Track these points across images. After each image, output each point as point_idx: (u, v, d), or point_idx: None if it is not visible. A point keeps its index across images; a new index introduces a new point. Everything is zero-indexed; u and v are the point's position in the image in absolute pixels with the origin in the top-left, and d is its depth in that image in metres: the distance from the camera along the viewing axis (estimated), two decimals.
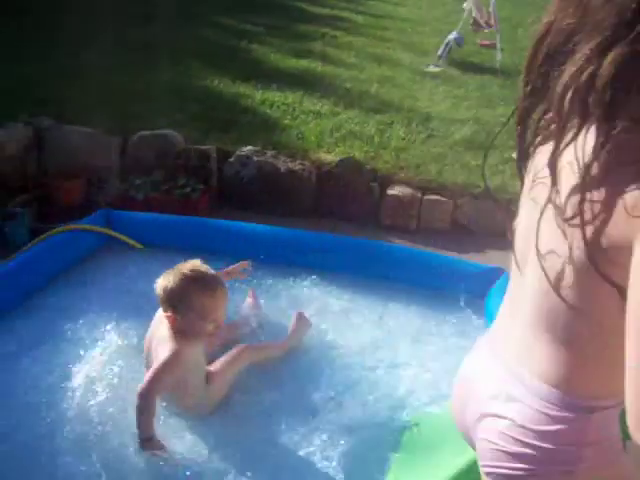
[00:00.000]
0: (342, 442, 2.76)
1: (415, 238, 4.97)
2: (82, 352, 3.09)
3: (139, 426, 2.56)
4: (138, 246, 4.12)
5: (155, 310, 2.96)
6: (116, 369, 2.96)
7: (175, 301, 2.66)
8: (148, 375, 2.62)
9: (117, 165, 5.23)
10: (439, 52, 8.72)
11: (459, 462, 2.49)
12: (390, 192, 5.07)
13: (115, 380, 2.91)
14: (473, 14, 8.88)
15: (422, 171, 5.31)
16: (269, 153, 5.15)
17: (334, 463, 2.67)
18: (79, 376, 2.92)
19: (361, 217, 5.09)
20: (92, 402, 2.80)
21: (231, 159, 5.11)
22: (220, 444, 2.72)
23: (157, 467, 2.54)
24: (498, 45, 8.80)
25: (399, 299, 3.86)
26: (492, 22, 8.83)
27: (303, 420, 2.88)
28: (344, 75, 7.55)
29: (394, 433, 2.92)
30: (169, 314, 2.68)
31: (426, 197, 5.09)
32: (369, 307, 3.80)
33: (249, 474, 2.58)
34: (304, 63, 7.77)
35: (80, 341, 3.19)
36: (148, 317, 3.02)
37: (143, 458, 2.56)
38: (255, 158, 5.06)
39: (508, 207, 4.84)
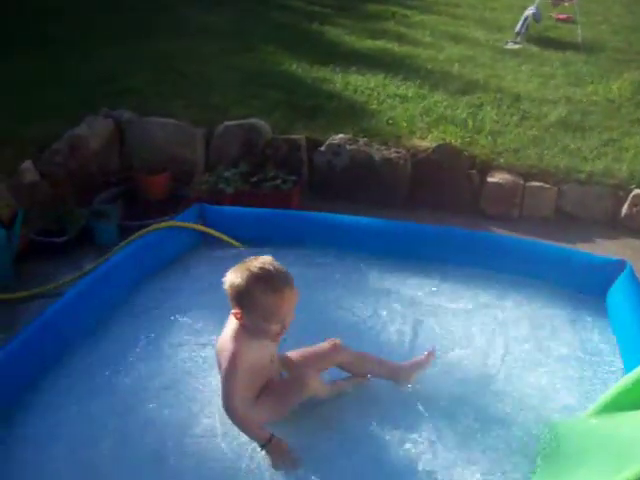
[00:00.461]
0: (477, 452, 2.57)
1: (517, 227, 4.71)
2: (183, 354, 2.99)
3: (250, 437, 2.45)
4: (236, 245, 3.93)
5: None
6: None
7: (241, 298, 2.46)
8: (221, 390, 2.49)
9: (202, 157, 5.06)
10: (517, 28, 8.35)
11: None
12: (490, 179, 4.81)
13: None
14: None
15: (521, 156, 5.03)
16: (361, 141, 4.92)
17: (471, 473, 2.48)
18: (179, 379, 2.84)
19: (460, 206, 4.84)
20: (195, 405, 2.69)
21: (322, 148, 4.90)
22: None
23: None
24: (579, 19, 8.40)
25: (516, 297, 3.61)
26: None
27: (427, 425, 2.68)
28: (423, 55, 7.25)
29: (531, 443, 2.71)
30: (236, 311, 2.49)
31: (528, 184, 4.81)
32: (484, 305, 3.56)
33: None
34: (380, 44, 7.50)
35: (180, 342, 3.08)
36: None
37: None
38: (347, 147, 4.84)
39: (615, 193, 4.60)
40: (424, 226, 4.08)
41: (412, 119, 5.40)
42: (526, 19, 8.30)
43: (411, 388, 2.85)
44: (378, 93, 5.94)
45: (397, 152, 4.84)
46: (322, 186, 4.92)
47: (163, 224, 3.88)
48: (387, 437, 2.62)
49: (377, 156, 4.80)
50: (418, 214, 4.64)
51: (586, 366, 3.18)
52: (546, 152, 5.10)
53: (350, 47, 7.36)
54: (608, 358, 3.24)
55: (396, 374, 2.86)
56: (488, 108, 5.83)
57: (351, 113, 5.48)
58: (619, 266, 3.64)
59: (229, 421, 2.46)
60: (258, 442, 2.42)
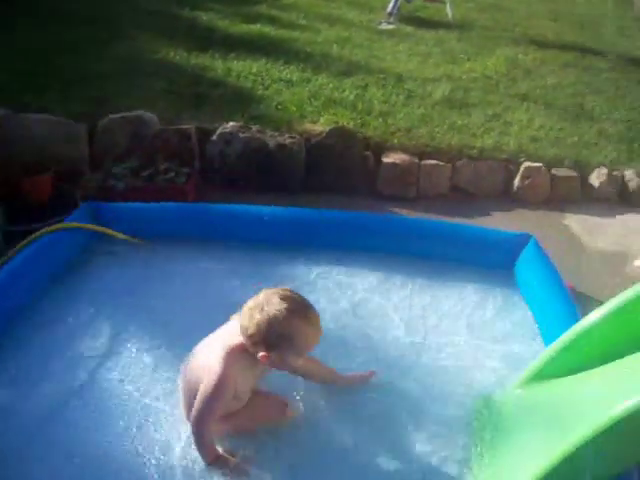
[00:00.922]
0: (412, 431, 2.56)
1: (415, 206, 4.74)
2: (93, 365, 2.76)
3: (199, 452, 2.30)
4: (136, 241, 3.70)
5: (169, 308, 2.91)
6: (133, 384, 2.64)
7: (277, 340, 2.27)
8: (197, 407, 2.30)
9: (87, 154, 4.77)
10: (389, 9, 8.41)
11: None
12: (386, 160, 4.80)
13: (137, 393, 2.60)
14: None
15: (413, 135, 5.06)
16: (254, 128, 4.78)
17: (411, 458, 2.46)
18: (87, 392, 2.61)
19: (357, 188, 4.81)
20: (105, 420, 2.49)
21: (213, 137, 4.73)
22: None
23: None
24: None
25: (429, 275, 3.60)
26: None
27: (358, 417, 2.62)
28: (301, 38, 7.16)
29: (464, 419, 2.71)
30: (264, 353, 2.29)
31: (423, 162, 4.84)
32: (400, 287, 3.53)
33: None
34: (255, 28, 7.34)
35: (86, 354, 2.83)
36: (160, 317, 2.92)
37: None
38: (240, 134, 4.69)
39: (507, 166, 4.70)
40: (326, 212, 4.00)
41: (301, 103, 5.32)
42: (397, 0, 8.37)
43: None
44: (262, 78, 5.81)
45: (291, 137, 4.75)
46: (216, 176, 4.75)
47: (54, 227, 3.61)
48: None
49: (271, 143, 4.68)
50: (317, 199, 4.56)
51: (507, 339, 3.23)
52: (437, 130, 5.15)
53: (225, 32, 7.15)
54: (525, 329, 3.29)
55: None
56: (374, 89, 5.83)
57: (238, 100, 5.32)
58: (524, 239, 3.72)
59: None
60: (203, 459, 2.29)
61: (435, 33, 7.95)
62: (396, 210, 4.67)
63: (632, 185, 4.81)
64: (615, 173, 4.87)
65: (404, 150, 4.88)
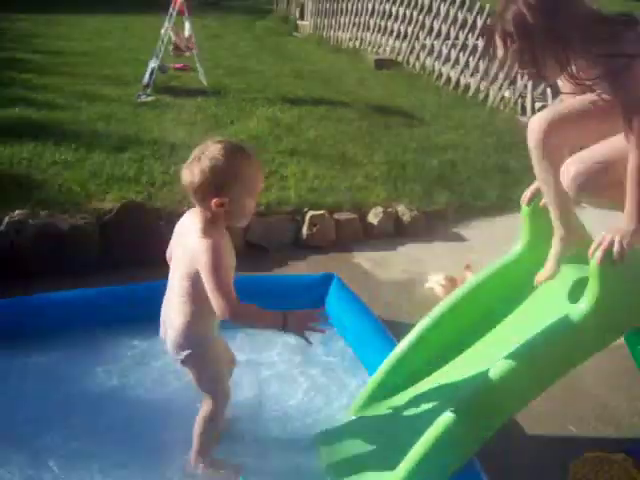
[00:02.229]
0: None
1: None
2: None
3: (265, 323, 2.51)
4: None
5: None
6: None
7: (224, 178, 2.38)
8: (214, 290, 2.36)
9: None
10: (144, 81, 8.57)
11: None
12: None
13: None
14: (173, 39, 8.86)
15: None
16: (42, 214, 4.71)
17: None
18: None
19: (154, 259, 4.85)
20: None
21: (1, 229, 4.58)
22: None
23: None
24: (200, 67, 8.90)
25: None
26: (191, 45, 8.91)
27: None
28: (64, 118, 7.11)
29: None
30: (217, 200, 2.38)
31: None
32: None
33: None
34: (14, 112, 7.16)
35: None
36: None
37: None
38: (30, 222, 4.60)
39: (294, 217, 5.04)
40: (136, 286, 4.08)
41: (83, 183, 5.31)
42: (152, 71, 8.56)
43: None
44: (36, 162, 5.70)
45: (82, 218, 4.74)
46: (10, 268, 4.59)
47: None
48: None
49: (63, 226, 4.64)
50: (118, 275, 4.57)
51: (333, 372, 3.51)
52: None
53: None
54: (347, 361, 3.61)
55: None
56: (151, 161, 5.95)
57: (18, 187, 5.19)
58: (328, 279, 4.05)
59: None
60: (277, 328, 2.40)
61: (195, 100, 8.24)
62: None
63: (405, 219, 5.36)
64: (389, 210, 5.40)
65: None
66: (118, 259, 4.77)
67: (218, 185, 2.39)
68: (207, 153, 2.41)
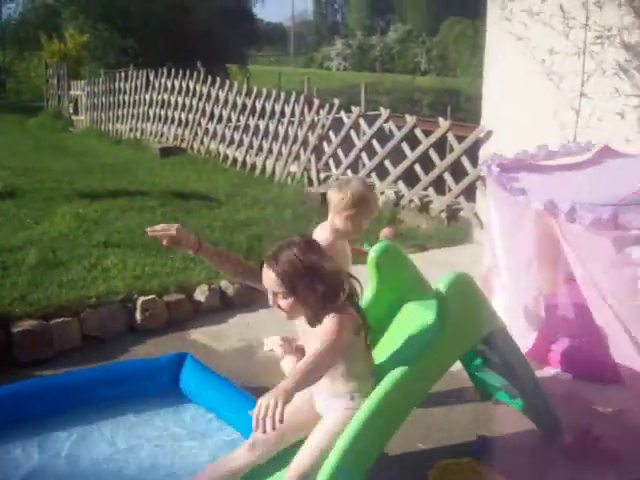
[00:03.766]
0: None
1: (56, 364, 4.98)
2: None
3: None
4: None
5: None
6: None
7: (358, 200, 3.59)
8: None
9: None
10: None
11: None
12: (17, 330, 5.01)
13: None
14: None
15: (32, 301, 5.34)
16: None
17: None
18: None
19: None
20: None
21: None
22: None
23: None
24: None
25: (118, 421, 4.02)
26: None
27: None
28: None
29: None
30: (349, 212, 3.61)
31: (52, 322, 5.16)
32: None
33: None
34: None
35: None
36: None
37: None
38: None
39: (125, 306, 5.41)
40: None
41: None
42: None
43: None
44: None
45: None
46: None
47: None
48: None
49: None
50: None
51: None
52: (49, 291, 5.49)
53: None
54: (222, 431, 3.93)
55: None
56: None
57: None
58: (181, 358, 4.37)
59: None
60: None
61: None
62: (39, 373, 4.87)
63: (230, 292, 5.81)
64: (213, 286, 5.83)
65: (30, 316, 5.15)
66: None
67: (356, 203, 3.67)
68: (352, 183, 3.79)
